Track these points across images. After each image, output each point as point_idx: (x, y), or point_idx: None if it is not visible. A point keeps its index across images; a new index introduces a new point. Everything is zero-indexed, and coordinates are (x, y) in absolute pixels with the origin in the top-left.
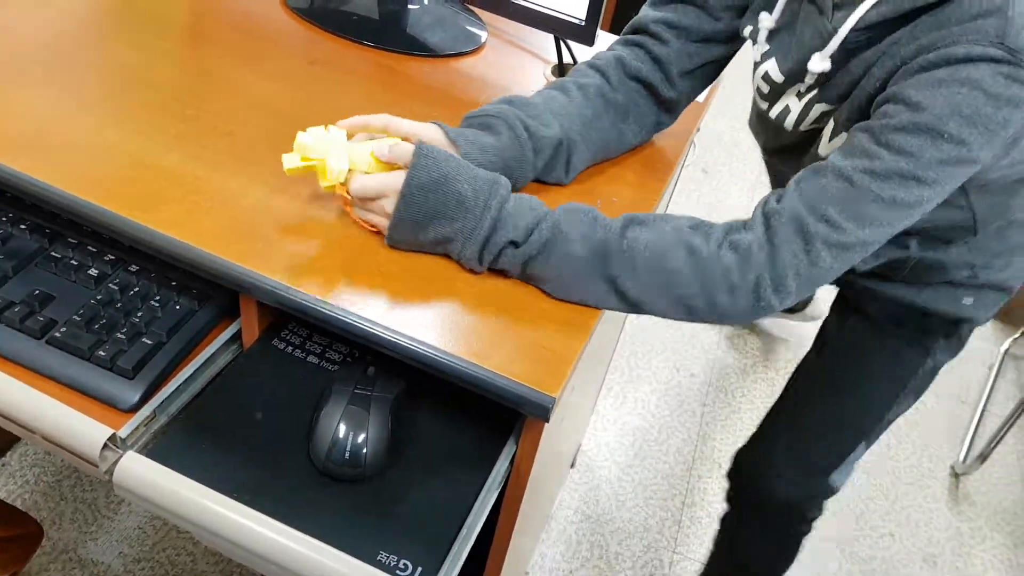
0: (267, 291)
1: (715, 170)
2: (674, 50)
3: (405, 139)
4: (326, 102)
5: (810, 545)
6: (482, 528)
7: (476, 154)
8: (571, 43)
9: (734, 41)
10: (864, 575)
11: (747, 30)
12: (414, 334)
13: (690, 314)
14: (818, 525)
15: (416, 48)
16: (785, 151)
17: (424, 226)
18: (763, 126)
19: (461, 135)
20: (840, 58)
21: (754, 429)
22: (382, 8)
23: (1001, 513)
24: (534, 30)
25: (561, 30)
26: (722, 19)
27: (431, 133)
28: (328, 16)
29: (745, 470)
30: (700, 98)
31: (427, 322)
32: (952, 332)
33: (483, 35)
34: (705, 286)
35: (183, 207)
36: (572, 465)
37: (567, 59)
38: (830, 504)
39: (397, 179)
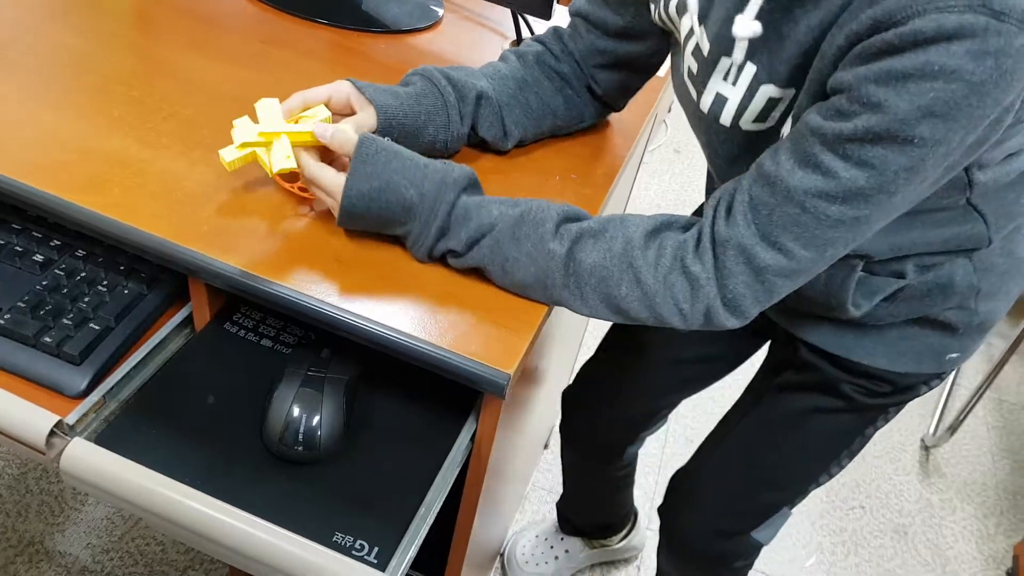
0: (215, 273)
1: (687, 149)
2: (586, 44)
3: (326, 105)
4: (277, 82)
5: None
6: (448, 508)
7: (388, 100)
8: (529, 18)
9: (647, 38)
10: (835, 547)
11: (666, 5)
12: (367, 314)
13: (643, 324)
14: None
15: (372, 25)
16: (734, 165)
17: (373, 228)
18: (699, 128)
19: (370, 86)
20: (777, 14)
21: (724, 412)
22: None
23: (971, 484)
24: (492, 4)
25: (517, 4)
26: (623, 15)
27: (343, 89)
28: None
29: (670, 512)
30: (661, 72)
31: (381, 303)
32: (916, 393)
33: (440, 10)
34: (654, 311)
35: (126, 190)
36: (546, 446)
37: (525, 33)
38: None
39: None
